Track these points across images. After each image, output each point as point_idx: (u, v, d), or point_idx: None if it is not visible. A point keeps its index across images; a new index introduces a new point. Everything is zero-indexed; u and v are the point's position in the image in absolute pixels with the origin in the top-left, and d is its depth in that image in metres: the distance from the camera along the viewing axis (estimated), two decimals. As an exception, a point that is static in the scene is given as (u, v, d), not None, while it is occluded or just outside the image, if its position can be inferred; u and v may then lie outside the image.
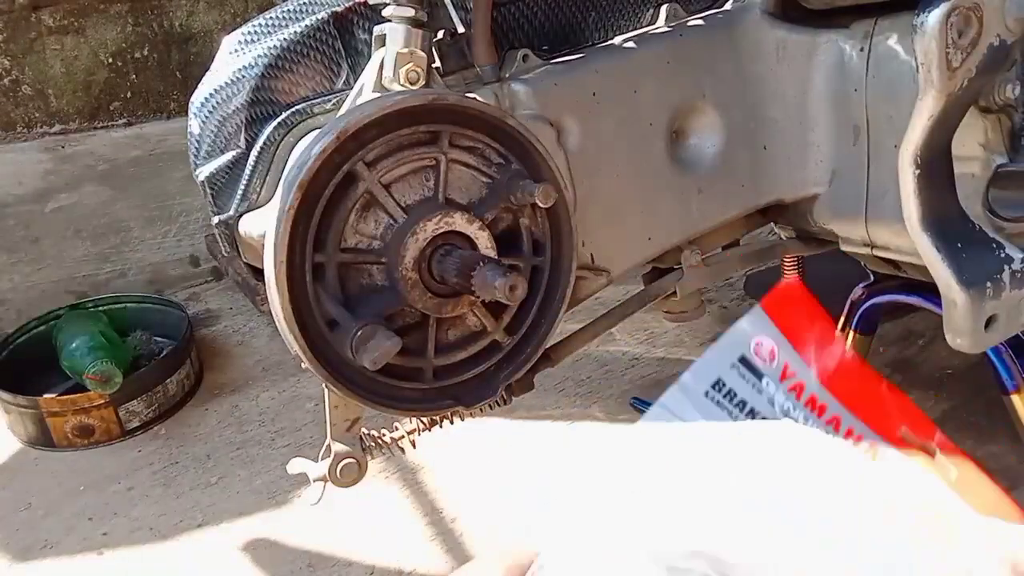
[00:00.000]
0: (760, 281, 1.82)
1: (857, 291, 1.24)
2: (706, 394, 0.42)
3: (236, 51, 0.95)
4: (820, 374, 0.46)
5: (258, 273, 0.93)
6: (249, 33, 0.95)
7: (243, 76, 0.92)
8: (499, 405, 0.93)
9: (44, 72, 2.11)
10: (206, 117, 0.93)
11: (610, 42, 1.00)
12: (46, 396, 1.69)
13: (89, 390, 1.65)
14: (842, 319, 1.28)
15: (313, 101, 0.92)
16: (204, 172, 0.93)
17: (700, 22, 1.01)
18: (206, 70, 0.95)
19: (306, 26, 0.93)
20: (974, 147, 0.88)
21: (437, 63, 0.89)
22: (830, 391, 0.47)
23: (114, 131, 2.21)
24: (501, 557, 0.37)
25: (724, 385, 0.43)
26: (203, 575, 1.31)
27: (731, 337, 0.44)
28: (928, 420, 0.50)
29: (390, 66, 0.82)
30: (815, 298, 0.47)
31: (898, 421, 0.49)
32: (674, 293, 1.06)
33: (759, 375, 0.45)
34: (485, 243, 0.82)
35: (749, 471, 0.35)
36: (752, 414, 0.43)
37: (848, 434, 0.46)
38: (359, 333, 0.75)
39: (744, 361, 0.44)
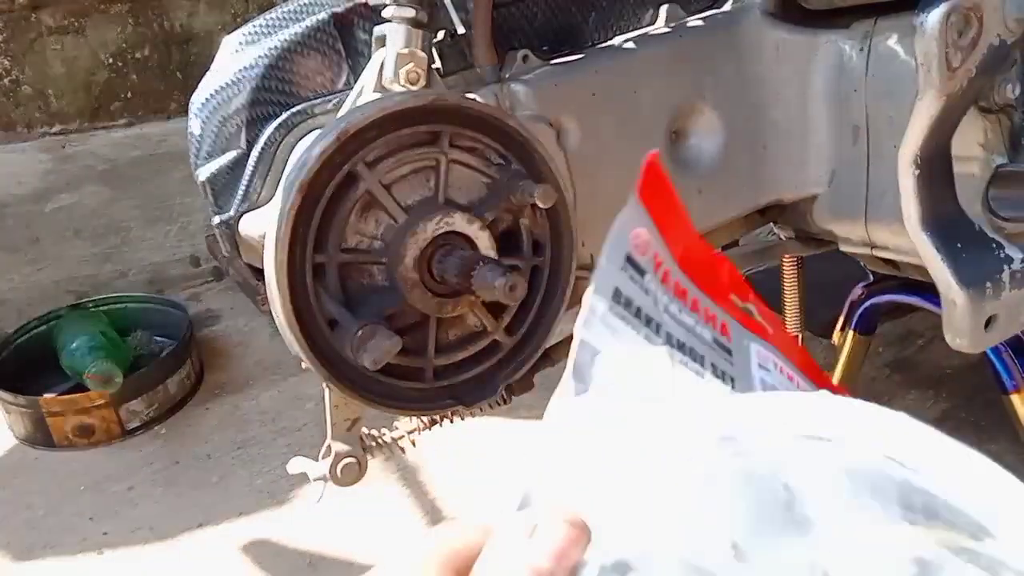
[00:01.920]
0: (760, 281, 1.82)
1: (857, 291, 1.24)
2: (611, 310, 0.41)
3: (237, 51, 0.95)
4: (678, 256, 0.47)
5: (258, 273, 0.93)
6: (250, 34, 0.95)
7: (244, 76, 0.92)
8: (499, 405, 0.93)
9: (44, 72, 2.11)
10: (207, 117, 0.93)
11: (610, 43, 1.00)
12: (46, 396, 1.69)
13: (89, 390, 1.65)
14: (842, 319, 1.28)
15: (314, 102, 0.92)
16: (205, 172, 0.93)
17: (700, 22, 1.01)
18: (206, 70, 0.95)
19: (306, 27, 0.93)
20: (974, 147, 0.88)
21: (437, 64, 0.89)
22: (687, 274, 0.47)
23: (114, 131, 2.21)
24: (437, 548, 0.32)
25: (621, 295, 0.42)
26: (203, 575, 1.31)
27: (615, 235, 0.43)
28: (744, 281, 0.54)
29: (390, 67, 0.82)
30: (665, 174, 0.49)
31: (728, 288, 0.52)
32: (674, 293, 1.06)
33: (642, 272, 0.44)
34: (485, 243, 0.82)
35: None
36: (651, 324, 0.42)
37: (708, 318, 0.47)
38: (359, 333, 0.75)
39: (630, 261, 0.43)
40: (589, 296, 0.40)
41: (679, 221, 0.50)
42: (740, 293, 0.54)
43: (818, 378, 0.57)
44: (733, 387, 0.44)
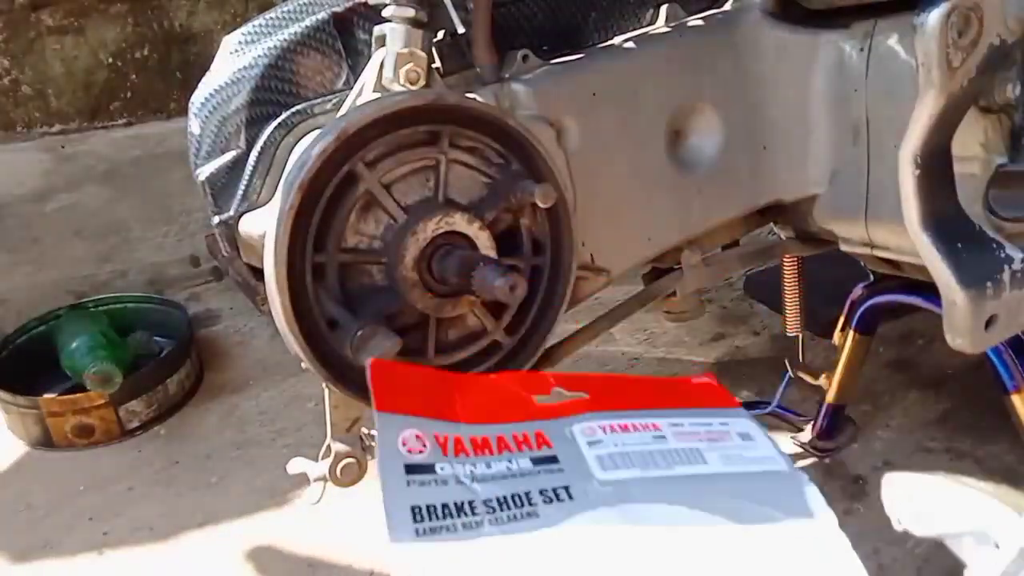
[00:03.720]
0: (760, 281, 1.82)
1: (857, 291, 1.24)
2: (417, 534, 0.40)
3: (236, 51, 0.95)
4: (460, 412, 0.47)
5: (258, 273, 0.93)
6: (249, 33, 0.95)
7: (243, 76, 0.92)
8: (499, 405, 0.93)
9: (44, 72, 2.11)
10: (206, 117, 0.93)
11: (610, 43, 1.00)
12: (46, 396, 1.69)
13: (89, 390, 1.65)
14: (842, 319, 1.28)
15: (313, 101, 0.92)
16: (204, 172, 0.93)
17: (700, 22, 1.01)
18: (206, 70, 0.95)
19: (306, 26, 0.93)
20: (974, 147, 0.88)
21: (437, 63, 0.90)
22: (479, 421, 0.48)
23: (114, 131, 2.21)
24: None
25: (420, 510, 0.41)
26: (203, 575, 1.31)
27: (383, 463, 0.43)
28: (539, 377, 0.56)
29: (390, 66, 0.82)
30: (405, 364, 0.50)
31: (528, 395, 0.53)
32: (674, 293, 1.06)
33: (430, 468, 0.43)
34: (485, 243, 0.82)
35: None
36: (462, 511, 0.41)
37: (520, 444, 0.47)
38: (359, 333, 0.75)
39: (411, 469, 0.43)
40: (391, 549, 0.40)
41: (439, 383, 0.51)
42: (539, 387, 0.55)
43: (659, 393, 0.58)
44: (570, 496, 0.44)
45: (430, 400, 0.48)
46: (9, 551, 1.40)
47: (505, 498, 0.43)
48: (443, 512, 0.41)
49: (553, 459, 0.47)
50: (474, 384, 0.52)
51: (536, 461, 0.46)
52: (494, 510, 0.42)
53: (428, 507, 0.41)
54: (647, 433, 0.51)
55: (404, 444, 0.43)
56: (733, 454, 0.51)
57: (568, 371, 0.57)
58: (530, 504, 0.43)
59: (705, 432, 0.53)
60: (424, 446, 0.44)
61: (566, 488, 0.44)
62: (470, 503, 0.42)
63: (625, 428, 0.51)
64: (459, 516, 0.41)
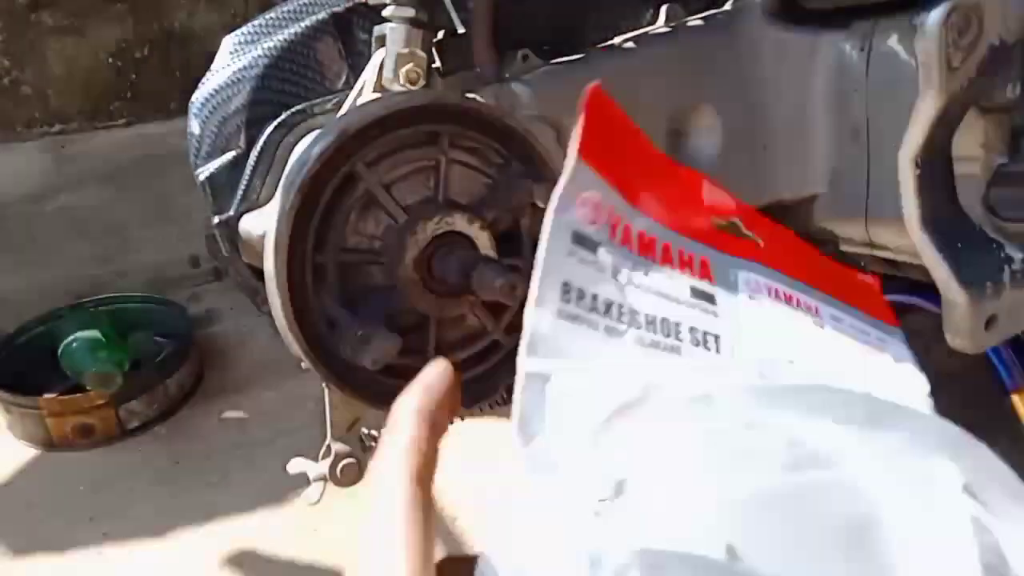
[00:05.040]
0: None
1: (857, 291, 1.24)
2: (560, 314, 0.35)
3: (236, 51, 0.95)
4: (641, 195, 0.42)
5: (258, 273, 0.93)
6: (249, 33, 0.95)
7: (243, 76, 0.92)
8: (499, 405, 0.93)
9: (44, 72, 2.11)
10: (206, 117, 0.93)
11: (610, 43, 1.00)
12: (46, 396, 1.69)
13: (89, 390, 1.65)
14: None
15: (313, 101, 0.92)
16: (204, 172, 0.93)
17: (700, 23, 1.01)
18: (206, 70, 0.95)
19: (306, 26, 0.93)
20: (974, 147, 0.88)
21: (437, 63, 0.89)
22: (653, 215, 0.42)
23: (114, 131, 2.21)
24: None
25: (571, 288, 0.36)
26: (203, 575, 1.31)
27: (556, 215, 0.37)
28: (727, 194, 0.49)
29: (390, 66, 0.82)
30: (612, 103, 0.44)
31: (706, 209, 0.47)
32: (674, 293, 1.06)
33: (595, 246, 0.38)
34: (485, 243, 0.82)
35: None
36: (611, 311, 0.36)
37: (683, 263, 0.42)
38: (359, 333, 0.75)
39: (579, 239, 0.38)
40: (531, 311, 0.35)
41: (639, 152, 0.44)
42: (722, 209, 0.48)
43: (827, 274, 0.51)
44: (718, 348, 0.39)
45: (626, 168, 0.41)
46: (9, 551, 1.40)
47: (655, 319, 0.38)
48: (592, 303, 0.36)
49: (711, 298, 0.41)
50: (668, 172, 0.46)
51: (694, 292, 0.41)
52: (641, 326, 0.37)
53: (580, 290, 0.36)
54: (807, 316, 0.45)
55: (581, 206, 0.38)
56: (883, 378, 0.47)
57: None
58: (677, 338, 0.38)
59: (862, 339, 0.49)
60: (598, 218, 0.38)
61: (715, 338, 0.39)
62: (620, 307, 0.37)
63: (788, 299, 0.45)
64: (605, 315, 0.36)
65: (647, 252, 0.40)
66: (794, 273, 0.48)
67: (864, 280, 0.57)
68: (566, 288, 0.36)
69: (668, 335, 0.38)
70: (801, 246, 0.53)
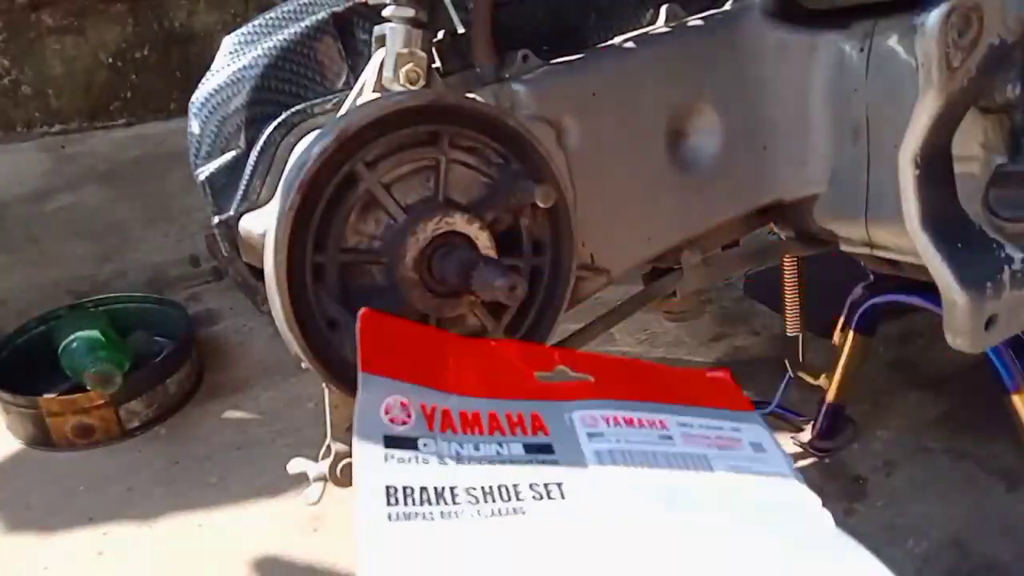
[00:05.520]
0: (760, 281, 1.82)
1: (857, 291, 1.24)
2: (390, 518, 0.35)
3: (236, 51, 0.95)
4: (453, 382, 0.43)
5: (258, 273, 0.93)
6: (249, 33, 0.95)
7: (243, 76, 0.92)
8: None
9: (44, 72, 2.11)
10: (206, 117, 0.93)
11: (610, 43, 1.00)
12: (46, 396, 1.69)
13: (89, 390, 1.65)
14: (842, 319, 1.28)
15: (313, 101, 0.92)
16: (204, 172, 0.93)
17: (700, 22, 1.01)
18: (206, 70, 0.95)
19: (306, 26, 0.93)
20: (974, 147, 0.88)
21: (437, 63, 0.90)
22: (471, 394, 0.44)
23: (114, 131, 2.21)
24: None
25: (395, 492, 0.36)
26: (203, 575, 1.31)
27: (360, 431, 0.38)
28: (545, 350, 0.51)
29: (390, 66, 0.82)
30: (398, 318, 0.45)
31: (529, 371, 0.48)
32: (674, 293, 1.06)
33: (413, 442, 0.39)
34: (485, 243, 0.82)
35: None
36: (442, 497, 0.37)
37: (513, 425, 0.43)
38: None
39: (392, 441, 0.38)
40: (358, 524, 0.35)
41: (436, 345, 0.46)
42: (543, 363, 0.50)
43: (669, 385, 0.53)
44: (562, 494, 0.39)
45: (421, 363, 0.44)
46: (9, 551, 1.40)
47: (491, 488, 0.39)
48: (421, 497, 0.37)
49: (548, 448, 0.43)
50: (471, 349, 0.48)
51: (529, 448, 0.42)
52: (477, 500, 0.38)
53: (405, 488, 0.37)
54: (653, 431, 0.46)
55: (387, 412, 0.40)
56: (742, 465, 0.47)
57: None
58: (517, 498, 0.39)
59: (715, 436, 0.49)
60: (408, 416, 0.40)
61: (558, 485, 0.40)
62: (451, 489, 0.38)
63: (630, 422, 0.46)
64: (437, 503, 0.37)
65: (472, 428, 0.42)
66: (633, 396, 0.49)
67: (713, 376, 0.58)
68: (390, 491, 0.36)
69: (508, 499, 0.38)
70: (637, 368, 0.55)
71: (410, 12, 0.82)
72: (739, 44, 0.99)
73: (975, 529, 1.18)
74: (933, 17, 0.76)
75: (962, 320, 0.83)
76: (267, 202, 0.91)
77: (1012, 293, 0.85)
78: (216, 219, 0.93)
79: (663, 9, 1.01)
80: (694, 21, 1.01)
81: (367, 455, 0.38)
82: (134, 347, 1.86)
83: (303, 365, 0.79)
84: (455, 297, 0.82)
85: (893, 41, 0.88)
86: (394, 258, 0.79)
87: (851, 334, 1.27)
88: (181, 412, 1.76)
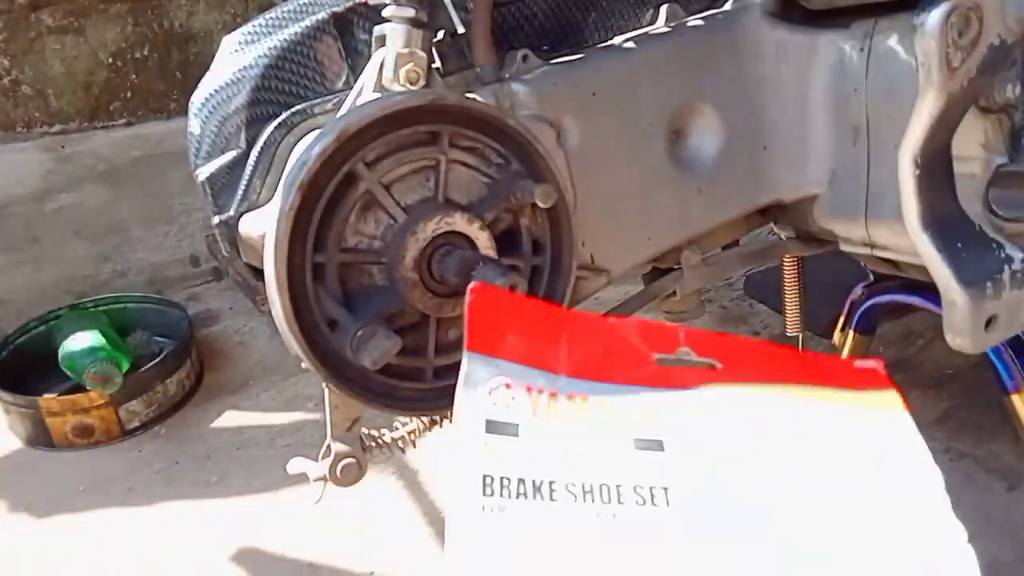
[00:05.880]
0: (760, 281, 1.82)
1: (857, 291, 1.24)
2: (483, 509, 0.34)
3: (236, 51, 0.95)
4: (565, 361, 0.40)
5: (258, 273, 0.93)
6: (249, 33, 0.95)
7: (243, 76, 0.92)
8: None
9: (44, 72, 2.11)
10: (206, 117, 0.93)
11: (610, 42, 1.00)
12: (46, 396, 1.69)
13: (89, 390, 1.65)
14: (842, 319, 1.28)
15: (313, 101, 0.92)
16: (204, 172, 0.93)
17: (700, 22, 1.01)
18: (206, 70, 0.95)
19: (306, 26, 0.93)
20: (974, 147, 0.88)
21: (437, 63, 0.89)
22: (584, 377, 0.41)
23: (114, 131, 2.21)
24: None
25: (493, 480, 0.35)
26: (203, 575, 1.31)
27: (464, 406, 0.36)
28: (669, 331, 0.46)
29: (390, 66, 0.82)
30: (510, 293, 0.42)
31: (647, 354, 0.44)
32: (674, 293, 1.06)
33: (513, 429, 0.37)
34: (485, 243, 0.82)
35: None
36: (539, 492, 0.35)
37: (623, 411, 0.40)
38: (359, 333, 0.75)
39: (493, 426, 0.36)
40: (451, 510, 0.34)
41: (542, 326, 0.42)
42: (664, 345, 0.44)
43: (808, 370, 0.46)
44: (667, 501, 0.36)
45: (531, 340, 0.40)
46: (9, 551, 1.40)
47: (591, 487, 0.36)
48: (518, 489, 0.35)
49: (658, 445, 0.39)
50: (587, 326, 0.43)
51: (639, 444, 0.38)
52: (575, 499, 0.35)
53: (502, 479, 0.35)
54: (779, 431, 0.41)
55: (490, 394, 0.37)
56: (879, 479, 0.41)
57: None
58: (619, 501, 0.36)
59: (852, 438, 0.42)
60: (513, 399, 0.37)
61: (664, 490, 0.37)
62: (550, 484, 0.35)
63: (754, 418, 0.41)
64: (534, 497, 0.35)
65: (579, 415, 0.39)
66: (764, 380, 0.44)
67: (862, 367, 0.51)
68: (487, 480, 0.35)
69: (608, 500, 0.36)
70: (772, 353, 0.48)
71: (410, 12, 0.82)
72: (739, 44, 0.99)
73: (975, 529, 1.18)
74: (933, 17, 0.76)
75: (962, 320, 0.83)
76: (267, 202, 0.91)
77: (1012, 293, 0.85)
78: (216, 219, 0.93)
79: (663, 9, 1.01)
80: (694, 21, 1.01)
81: (466, 440, 0.36)
82: (134, 347, 1.86)
83: (303, 365, 0.79)
84: (455, 297, 0.82)
85: (893, 41, 0.88)
86: (394, 258, 0.79)
87: (851, 334, 1.27)
88: (181, 412, 1.76)
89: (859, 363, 0.50)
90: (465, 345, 0.39)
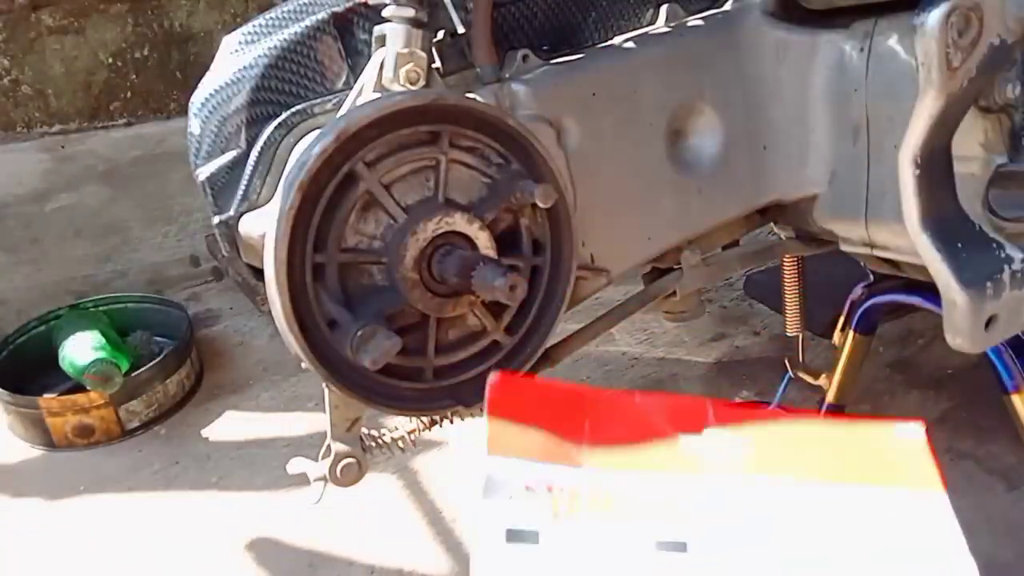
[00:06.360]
0: (760, 281, 1.82)
1: (857, 291, 1.24)
2: None
3: (236, 51, 0.95)
4: (587, 447, 0.38)
5: (258, 273, 0.93)
6: (249, 33, 0.95)
7: (243, 76, 0.92)
8: (499, 405, 0.93)
9: (44, 72, 2.11)
10: (206, 117, 0.93)
11: (610, 43, 1.00)
12: (46, 396, 1.69)
13: (89, 390, 1.65)
14: (842, 319, 1.28)
15: (313, 101, 0.92)
16: (204, 172, 0.93)
17: (700, 22, 1.01)
18: (206, 70, 0.95)
19: (306, 26, 0.93)
20: (974, 147, 0.88)
21: (437, 63, 0.89)
22: (606, 467, 0.39)
23: (114, 131, 2.21)
24: None
25: None
26: (203, 575, 1.31)
27: (485, 516, 0.35)
28: (697, 407, 0.43)
29: (390, 66, 0.82)
30: (528, 379, 0.40)
31: (674, 434, 0.42)
32: (674, 293, 1.06)
33: (533, 537, 0.35)
34: (485, 243, 0.82)
35: None
36: None
37: (646, 507, 0.38)
38: (359, 333, 0.75)
39: (513, 535, 0.35)
40: None
41: (563, 410, 0.40)
42: (692, 423, 0.42)
43: (853, 453, 0.43)
44: None
45: (553, 427, 0.39)
46: (8, 551, 1.40)
47: None
48: None
49: (682, 546, 0.37)
50: (612, 405, 0.42)
51: (662, 546, 0.36)
52: None
53: None
54: (808, 531, 0.38)
55: (511, 499, 0.36)
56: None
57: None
58: None
59: (885, 537, 0.39)
60: (533, 502, 0.36)
61: None
62: None
63: (786, 516, 0.39)
64: None
65: (602, 511, 0.37)
66: (798, 471, 0.41)
67: (904, 435, 0.46)
68: None
69: None
70: (806, 428, 0.45)
71: (410, 12, 0.82)
72: (739, 44, 0.99)
73: (975, 529, 1.18)
74: (933, 17, 0.76)
75: (962, 320, 0.83)
76: (267, 202, 0.91)
77: (1012, 293, 0.85)
78: (216, 219, 0.93)
79: (663, 9, 1.01)
80: (694, 21, 1.01)
81: (487, 551, 0.35)
82: (134, 347, 1.86)
83: (303, 365, 0.79)
84: (455, 297, 0.82)
85: (893, 41, 0.88)
86: (394, 258, 0.79)
87: (851, 334, 1.27)
88: (181, 412, 1.76)
89: (900, 428, 0.46)
90: (486, 448, 0.38)
